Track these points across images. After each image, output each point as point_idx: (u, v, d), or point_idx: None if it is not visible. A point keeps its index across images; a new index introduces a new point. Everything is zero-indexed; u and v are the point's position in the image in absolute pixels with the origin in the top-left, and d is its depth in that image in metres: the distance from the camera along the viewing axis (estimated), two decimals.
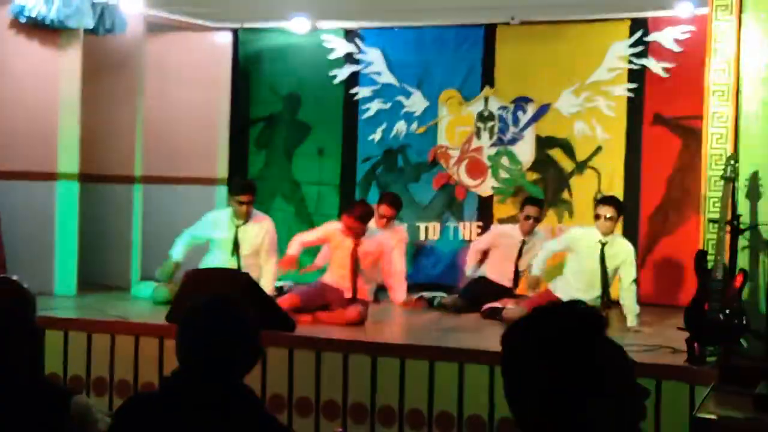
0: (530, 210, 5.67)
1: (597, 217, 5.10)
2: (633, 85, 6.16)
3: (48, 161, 5.79)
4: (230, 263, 5.39)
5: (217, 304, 2.04)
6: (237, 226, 5.46)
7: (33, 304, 2.27)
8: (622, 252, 5.10)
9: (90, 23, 5.70)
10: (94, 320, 4.82)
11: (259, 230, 5.48)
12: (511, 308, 5.17)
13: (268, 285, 5.34)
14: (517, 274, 5.72)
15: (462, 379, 4.08)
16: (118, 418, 2.04)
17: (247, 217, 5.46)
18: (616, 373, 1.51)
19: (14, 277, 2.31)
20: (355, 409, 4.20)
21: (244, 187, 5.53)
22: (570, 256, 5.30)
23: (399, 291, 5.45)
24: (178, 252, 5.51)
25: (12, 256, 5.54)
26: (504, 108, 6.46)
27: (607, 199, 5.26)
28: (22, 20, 5.53)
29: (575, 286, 5.13)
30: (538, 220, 5.69)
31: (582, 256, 5.15)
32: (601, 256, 5.07)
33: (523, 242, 5.71)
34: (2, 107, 5.60)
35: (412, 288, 5.91)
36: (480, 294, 5.59)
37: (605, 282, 5.09)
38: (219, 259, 5.44)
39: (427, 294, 5.88)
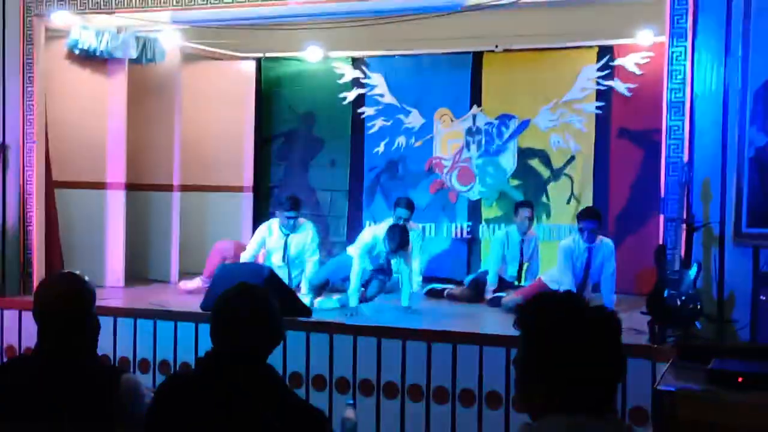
0: (526, 212, 5.60)
1: (581, 230, 5.06)
2: (601, 103, 6.12)
3: (99, 173, 5.81)
4: (282, 269, 5.34)
5: (245, 293, 2.03)
6: (287, 235, 5.42)
7: (93, 295, 2.25)
8: (606, 250, 5.08)
9: (134, 54, 5.72)
10: (139, 308, 4.82)
11: (305, 234, 5.42)
12: (509, 296, 5.13)
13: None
14: (520, 270, 5.68)
15: (455, 357, 4.06)
16: (160, 393, 2.03)
17: (294, 229, 5.41)
18: (610, 347, 1.49)
19: (77, 272, 2.30)
20: (363, 385, 4.19)
21: (294, 204, 5.39)
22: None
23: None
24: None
25: (68, 254, 5.56)
26: (490, 123, 6.43)
27: (588, 212, 5.14)
28: (76, 52, 5.55)
29: (562, 277, 5.08)
30: (531, 219, 5.63)
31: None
32: (588, 258, 5.07)
33: (522, 241, 5.68)
34: (60, 127, 5.58)
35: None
36: (484, 285, 5.58)
37: (587, 275, 5.09)
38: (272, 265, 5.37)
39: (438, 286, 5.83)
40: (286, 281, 5.26)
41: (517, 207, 5.74)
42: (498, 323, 4.77)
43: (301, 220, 5.53)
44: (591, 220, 5.01)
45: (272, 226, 5.53)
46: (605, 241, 5.17)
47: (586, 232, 4.99)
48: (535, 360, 1.50)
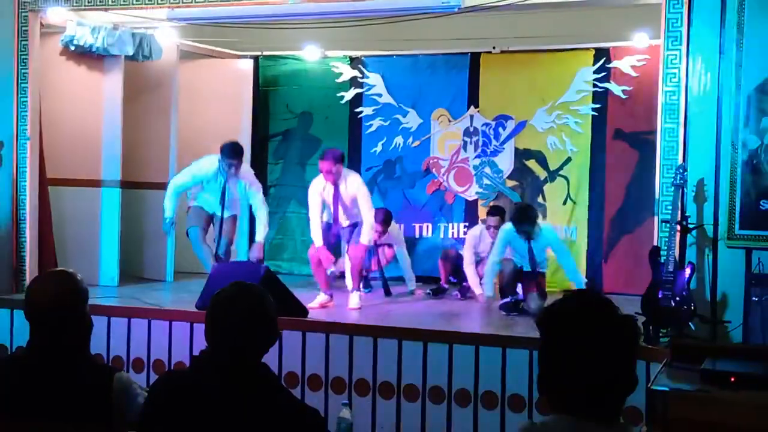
0: (492, 221, 5.65)
1: (488, 227, 5.43)
2: (597, 105, 6.16)
3: (93, 170, 5.80)
4: (217, 208, 5.36)
5: (241, 292, 2.02)
6: (225, 180, 5.36)
7: (85, 294, 2.24)
8: (546, 240, 5.16)
9: (130, 51, 5.71)
10: (133, 307, 4.83)
11: (247, 186, 5.40)
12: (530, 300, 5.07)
13: (262, 230, 5.31)
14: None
15: (451, 357, 4.09)
16: (153, 392, 2.03)
17: (235, 176, 5.37)
18: (628, 348, 1.51)
19: (70, 270, 2.29)
20: (359, 384, 4.22)
21: (233, 150, 5.31)
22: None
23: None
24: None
25: (62, 252, 5.56)
26: (487, 124, 6.47)
27: (520, 218, 5.12)
28: (72, 48, 5.54)
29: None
30: (497, 228, 5.57)
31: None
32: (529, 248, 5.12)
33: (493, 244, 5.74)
34: (54, 124, 5.59)
35: (404, 279, 6.00)
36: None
37: (533, 263, 5.14)
38: (206, 202, 5.41)
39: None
40: (218, 224, 5.34)
41: (487, 213, 5.83)
42: (496, 323, 4.82)
43: (245, 170, 5.41)
44: (523, 224, 5.03)
45: (214, 163, 5.39)
46: (544, 231, 5.17)
47: (524, 235, 5.05)
48: (551, 361, 1.52)
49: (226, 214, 5.43)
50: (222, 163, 5.29)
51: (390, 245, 5.98)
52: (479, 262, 5.69)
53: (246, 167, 5.53)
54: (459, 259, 5.84)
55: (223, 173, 5.32)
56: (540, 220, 5.26)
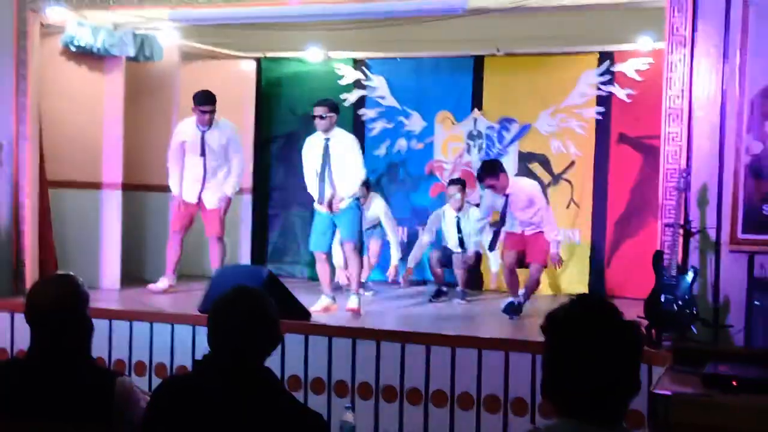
0: (451, 189, 5.89)
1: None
2: (601, 109, 6.19)
3: (94, 172, 5.79)
4: (198, 163, 5.47)
5: (243, 296, 2.03)
6: (203, 132, 5.49)
7: (86, 297, 2.25)
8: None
9: (131, 52, 5.70)
10: (135, 311, 4.84)
11: (221, 134, 5.52)
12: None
13: (232, 182, 5.45)
14: (462, 241, 5.93)
15: (454, 361, 4.10)
16: (156, 397, 2.03)
17: (210, 125, 5.48)
18: (630, 360, 1.53)
19: (71, 273, 2.29)
20: (362, 388, 4.22)
21: (207, 98, 5.47)
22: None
23: None
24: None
25: (63, 255, 5.53)
26: (491, 127, 6.50)
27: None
28: (72, 49, 5.51)
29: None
30: (458, 199, 5.83)
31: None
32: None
33: (458, 218, 5.90)
34: (55, 125, 5.56)
35: (411, 282, 6.04)
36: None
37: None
38: (188, 160, 5.53)
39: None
40: (201, 172, 5.44)
41: (448, 185, 6.03)
42: (497, 326, 4.83)
43: (219, 117, 5.55)
44: (484, 178, 5.26)
45: (187, 124, 5.57)
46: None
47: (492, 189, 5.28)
48: (556, 365, 1.53)
49: (210, 164, 5.49)
50: (197, 115, 5.40)
51: (375, 238, 6.03)
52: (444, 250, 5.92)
53: (225, 120, 5.62)
54: (447, 257, 5.92)
55: (200, 128, 5.45)
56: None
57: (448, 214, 5.96)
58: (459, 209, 5.89)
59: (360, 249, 5.12)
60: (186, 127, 5.60)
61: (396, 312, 5.44)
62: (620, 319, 1.55)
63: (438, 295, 5.81)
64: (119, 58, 5.74)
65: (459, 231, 5.90)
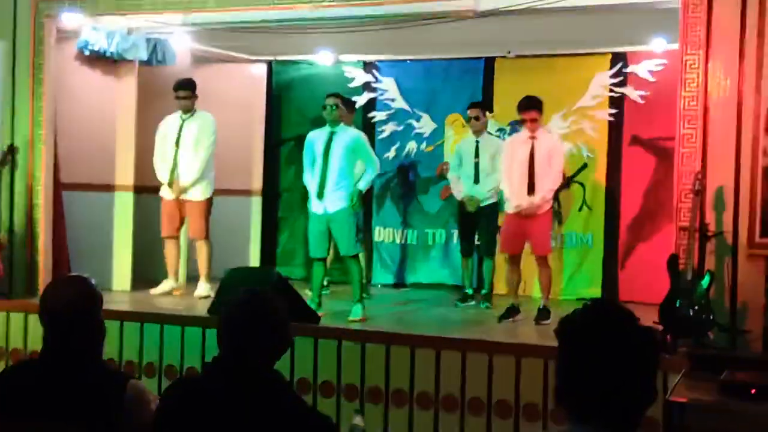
0: (471, 112, 5.71)
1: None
2: (614, 111, 6.13)
3: (107, 175, 5.85)
4: (171, 153, 5.49)
5: (253, 298, 2.03)
6: (183, 120, 5.52)
7: (100, 299, 2.26)
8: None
9: (144, 56, 5.75)
10: (146, 312, 4.85)
11: (201, 124, 5.55)
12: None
13: (199, 165, 5.46)
14: (477, 176, 5.70)
15: (464, 365, 4.06)
16: (165, 398, 2.03)
17: (189, 113, 5.51)
18: (649, 358, 1.50)
19: (85, 275, 2.30)
20: (372, 392, 4.19)
21: (181, 84, 5.52)
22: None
23: None
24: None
25: (76, 257, 5.57)
26: (501, 130, 6.45)
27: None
28: (86, 53, 5.59)
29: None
30: (478, 119, 5.66)
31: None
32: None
33: (477, 142, 5.71)
34: (69, 128, 5.61)
35: (416, 287, 5.95)
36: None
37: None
38: (161, 151, 5.56)
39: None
40: (171, 165, 5.44)
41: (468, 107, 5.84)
42: (510, 332, 4.79)
43: (202, 111, 5.58)
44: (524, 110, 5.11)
45: (172, 116, 5.61)
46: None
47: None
48: (570, 371, 1.50)
49: (184, 153, 5.50)
50: (177, 104, 5.44)
51: None
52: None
53: (204, 112, 5.64)
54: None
55: (181, 117, 5.48)
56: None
57: (466, 141, 5.79)
58: (478, 133, 5.70)
59: (358, 257, 5.12)
60: (169, 119, 5.67)
61: (406, 316, 5.40)
62: (637, 325, 1.52)
63: (464, 299, 5.72)
64: (132, 62, 5.79)
65: (476, 155, 5.66)
